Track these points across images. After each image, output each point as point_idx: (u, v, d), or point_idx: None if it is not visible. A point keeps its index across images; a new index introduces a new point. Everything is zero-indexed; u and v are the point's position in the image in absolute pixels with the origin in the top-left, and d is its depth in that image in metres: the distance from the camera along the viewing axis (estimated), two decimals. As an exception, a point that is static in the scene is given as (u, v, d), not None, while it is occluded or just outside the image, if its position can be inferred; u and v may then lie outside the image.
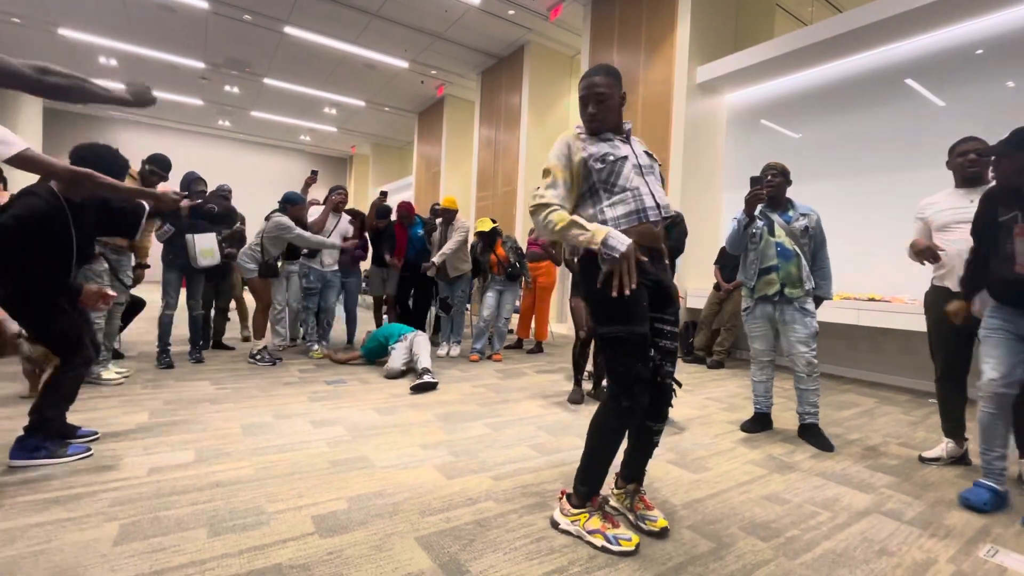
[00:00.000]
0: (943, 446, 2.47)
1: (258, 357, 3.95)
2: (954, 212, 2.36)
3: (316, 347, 4.40)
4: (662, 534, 1.66)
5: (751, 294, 2.79)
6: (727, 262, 4.84)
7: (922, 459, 2.48)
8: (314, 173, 4.68)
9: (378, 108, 11.31)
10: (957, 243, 2.29)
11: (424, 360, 3.66)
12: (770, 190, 2.69)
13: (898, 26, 4.14)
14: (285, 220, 3.87)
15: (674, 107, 5.46)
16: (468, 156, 10.07)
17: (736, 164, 5.67)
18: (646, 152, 1.72)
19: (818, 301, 2.75)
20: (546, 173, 1.66)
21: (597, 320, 1.62)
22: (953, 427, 2.44)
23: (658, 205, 1.63)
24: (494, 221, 4.78)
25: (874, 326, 4.07)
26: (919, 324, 3.75)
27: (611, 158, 1.61)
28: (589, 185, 1.64)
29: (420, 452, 2.33)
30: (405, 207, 5.09)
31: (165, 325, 3.80)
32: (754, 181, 2.56)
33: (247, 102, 11.36)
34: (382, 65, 8.90)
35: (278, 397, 3.14)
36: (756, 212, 2.65)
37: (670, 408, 1.70)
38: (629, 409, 1.55)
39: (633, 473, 1.79)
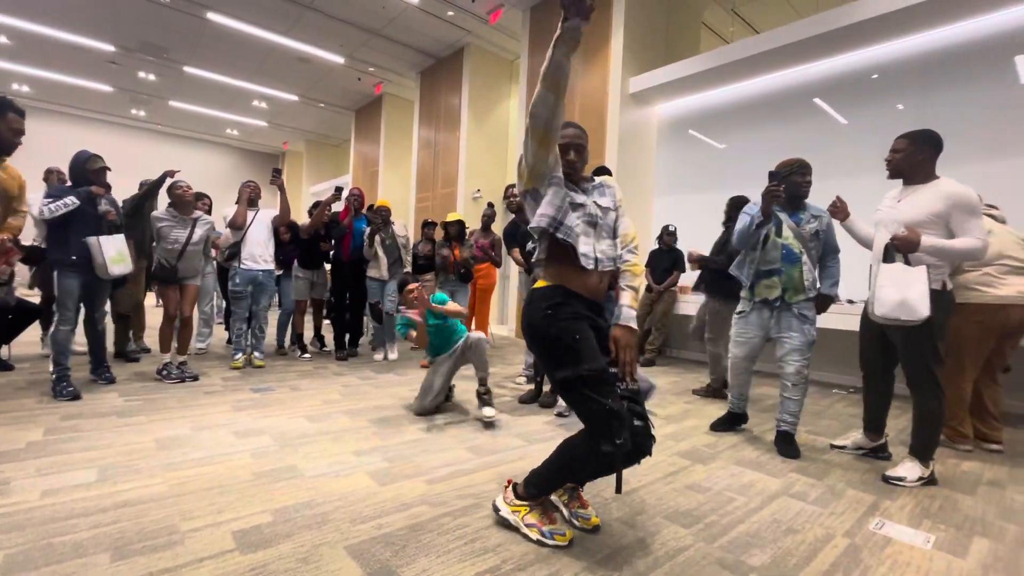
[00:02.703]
0: (854, 436, 2.68)
1: (164, 373, 3.52)
2: (880, 212, 2.42)
3: (239, 355, 4.10)
4: (594, 531, 1.71)
5: (749, 296, 2.65)
6: (657, 264, 5.07)
7: (832, 446, 2.71)
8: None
9: (312, 103, 10.87)
10: (879, 244, 2.35)
11: (481, 366, 2.98)
12: (784, 192, 2.49)
13: (806, 49, 4.53)
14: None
15: (608, 116, 5.66)
16: (407, 156, 9.91)
17: (666, 171, 5.97)
18: (611, 199, 1.70)
19: (825, 301, 2.62)
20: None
21: (551, 366, 1.56)
22: (868, 420, 2.60)
23: (594, 255, 1.61)
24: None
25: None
26: (828, 321, 4.13)
27: (569, 202, 1.61)
28: (547, 181, 1.60)
29: (353, 459, 2.26)
30: (361, 193, 4.83)
31: (61, 344, 3.03)
32: (772, 176, 2.40)
33: (164, 91, 10.54)
34: (316, 59, 8.56)
35: (198, 408, 2.93)
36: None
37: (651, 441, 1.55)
38: (611, 454, 1.43)
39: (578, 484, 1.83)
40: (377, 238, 4.53)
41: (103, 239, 3.12)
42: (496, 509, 1.74)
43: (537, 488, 1.67)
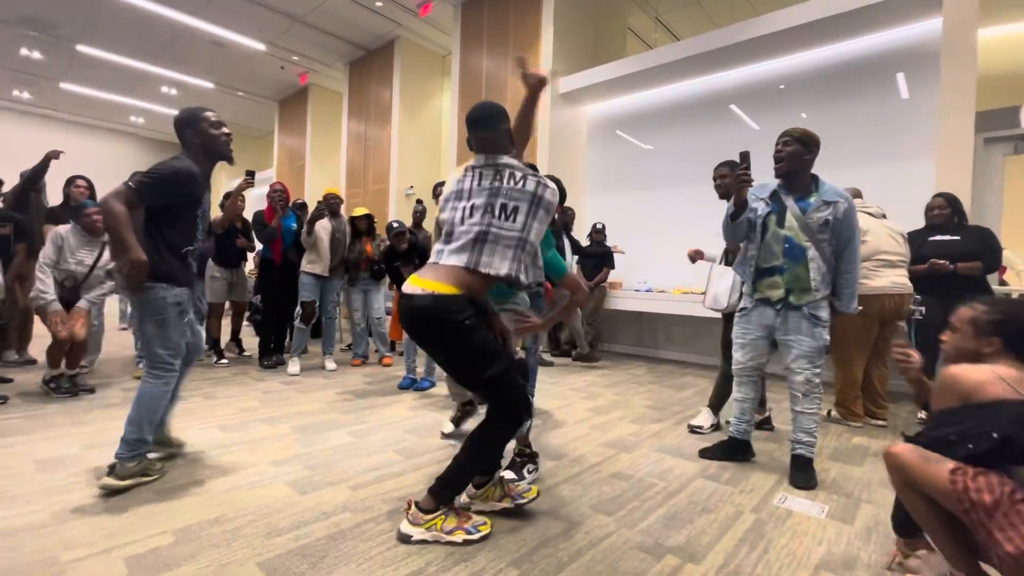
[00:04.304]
0: (704, 415, 2.90)
1: (52, 385, 3.14)
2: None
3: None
4: (536, 498, 1.82)
5: (750, 294, 2.28)
6: (587, 260, 5.21)
7: (691, 427, 2.85)
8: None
9: (230, 92, 10.15)
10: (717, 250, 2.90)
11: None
12: (780, 165, 2.15)
13: (721, 57, 4.82)
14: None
15: (539, 114, 5.72)
16: (336, 150, 9.51)
17: (595, 170, 6.14)
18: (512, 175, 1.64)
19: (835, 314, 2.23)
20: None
21: (476, 369, 1.59)
22: (715, 402, 2.88)
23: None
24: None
25: (710, 317, 4.69)
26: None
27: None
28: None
29: (270, 469, 2.13)
30: (284, 189, 4.37)
31: None
32: (742, 158, 2.09)
33: (54, 71, 9.43)
34: (233, 44, 7.99)
35: (90, 424, 2.64)
36: (748, 198, 2.18)
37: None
38: (524, 420, 1.67)
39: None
40: (328, 225, 4.14)
41: None
42: (407, 538, 1.58)
43: (452, 489, 1.63)
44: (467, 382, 1.71)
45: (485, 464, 1.71)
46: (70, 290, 3.22)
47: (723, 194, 2.74)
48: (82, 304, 3.23)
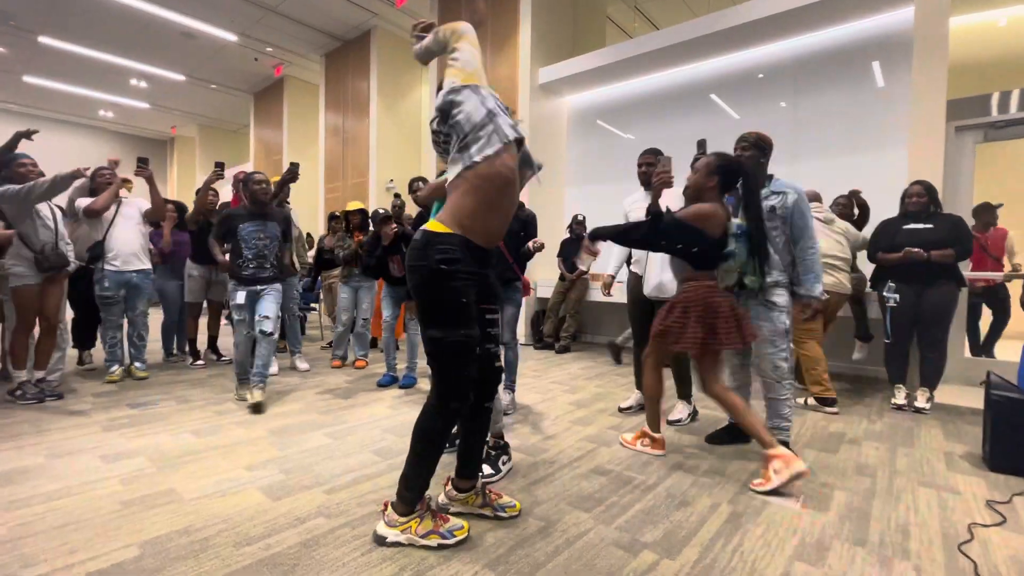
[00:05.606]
0: (634, 397, 3.09)
1: (18, 393, 3.03)
2: (641, 212, 2.89)
3: (115, 368, 3.63)
4: (520, 516, 1.76)
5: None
6: (569, 253, 5.19)
7: (620, 409, 3.07)
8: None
9: (202, 84, 9.90)
10: None
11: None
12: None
13: (700, 47, 4.80)
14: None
15: (519, 105, 5.66)
16: (314, 143, 9.35)
17: (577, 161, 6.11)
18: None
19: (804, 306, 2.33)
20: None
21: (426, 321, 1.54)
22: (683, 392, 2.98)
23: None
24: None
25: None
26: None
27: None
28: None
29: (244, 475, 2.09)
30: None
31: None
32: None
33: (16, 64, 9.09)
34: (204, 35, 7.77)
35: (56, 431, 2.56)
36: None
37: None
38: (458, 410, 1.57)
39: (476, 466, 1.80)
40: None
41: None
42: (382, 540, 1.57)
43: (412, 489, 1.59)
44: (424, 336, 1.57)
45: (434, 454, 1.60)
46: (59, 256, 3.11)
47: (644, 181, 2.84)
48: (72, 267, 3.27)
